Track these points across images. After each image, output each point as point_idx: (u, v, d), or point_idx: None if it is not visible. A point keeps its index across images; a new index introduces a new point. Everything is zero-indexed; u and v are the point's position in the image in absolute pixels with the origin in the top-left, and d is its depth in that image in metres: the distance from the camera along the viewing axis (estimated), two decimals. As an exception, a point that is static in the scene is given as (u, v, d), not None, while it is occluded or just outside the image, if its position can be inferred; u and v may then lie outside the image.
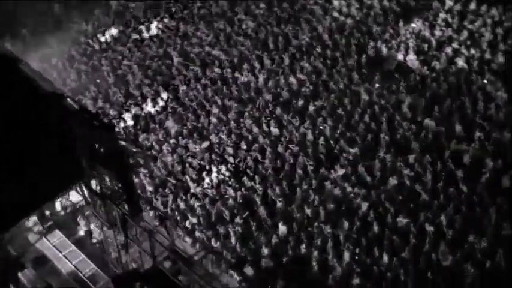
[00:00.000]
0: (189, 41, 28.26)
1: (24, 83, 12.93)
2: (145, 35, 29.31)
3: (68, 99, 13.05)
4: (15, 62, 13.63)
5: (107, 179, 12.91)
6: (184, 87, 25.58)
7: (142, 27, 29.64)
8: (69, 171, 12.84)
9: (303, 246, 18.66)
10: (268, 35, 27.54)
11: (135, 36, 29.12)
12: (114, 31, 29.38)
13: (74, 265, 19.68)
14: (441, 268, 17.52)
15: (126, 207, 13.41)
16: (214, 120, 23.70)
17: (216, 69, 26.13)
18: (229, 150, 22.28)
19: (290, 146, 21.98)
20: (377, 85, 24.07)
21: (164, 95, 25.46)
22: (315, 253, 18.43)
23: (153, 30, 29.42)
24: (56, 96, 12.75)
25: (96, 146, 12.21)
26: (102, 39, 29.36)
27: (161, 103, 25.03)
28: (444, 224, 18.51)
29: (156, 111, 24.85)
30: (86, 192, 14.78)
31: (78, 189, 15.11)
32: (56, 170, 12.27)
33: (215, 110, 24.16)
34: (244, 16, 29.10)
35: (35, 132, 12.12)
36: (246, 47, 27.07)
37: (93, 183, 13.49)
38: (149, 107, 25.10)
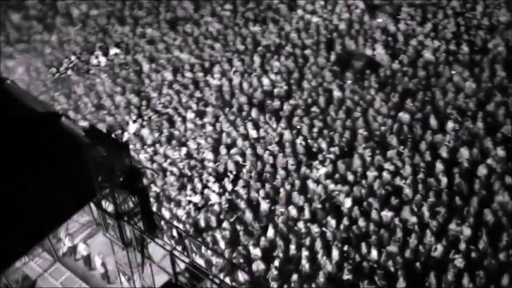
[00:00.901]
0: (156, 46, 27.90)
1: (14, 103, 12.40)
2: (111, 42, 28.75)
3: (64, 118, 12.69)
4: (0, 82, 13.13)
5: (122, 198, 12.64)
6: (157, 94, 25.28)
7: (107, 35, 29.07)
8: (77, 194, 12.39)
9: (293, 246, 18.76)
10: (236, 36, 27.47)
11: (99, 44, 28.52)
12: (79, 39, 28.73)
13: (60, 283, 19.27)
14: (429, 259, 17.89)
15: (143, 226, 13.19)
16: (190, 125, 23.53)
17: (188, 74, 25.92)
18: (209, 155, 22.19)
19: (269, 147, 22.02)
20: (349, 81, 24.34)
21: (136, 102, 25.10)
22: (305, 253, 18.56)
23: (118, 37, 28.89)
24: (51, 117, 12.30)
25: (111, 166, 11.88)
26: (67, 48, 28.67)
27: (134, 111, 24.65)
28: (427, 215, 18.90)
29: (131, 119, 24.46)
30: (95, 213, 14.44)
31: (87, 210, 14.76)
32: (63, 195, 11.79)
33: (190, 116, 23.98)
34: (211, 18, 28.91)
35: (35, 158, 11.63)
36: (216, 50, 26.92)
37: (104, 204, 13.19)
38: (122, 116, 24.70)
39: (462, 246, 18.08)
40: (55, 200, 11.55)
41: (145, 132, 23.61)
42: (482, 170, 20.17)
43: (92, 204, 14.15)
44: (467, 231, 18.29)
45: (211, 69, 26.04)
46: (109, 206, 13.03)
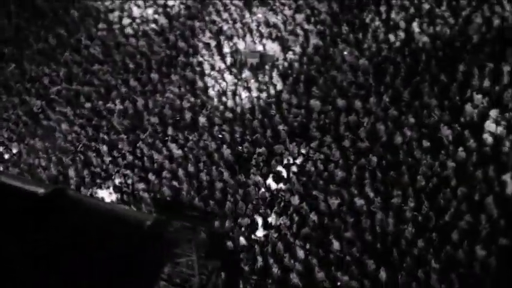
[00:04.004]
0: (41, 81, 25.15)
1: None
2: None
3: (70, 191, 10.55)
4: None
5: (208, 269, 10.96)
6: (60, 133, 22.86)
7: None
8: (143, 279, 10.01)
9: (259, 258, 18.13)
10: (124, 56, 25.64)
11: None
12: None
13: None
14: (386, 236, 18.25)
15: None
16: (109, 159, 21.64)
17: (87, 105, 23.73)
18: (141, 185, 20.60)
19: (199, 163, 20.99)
20: (252, 81, 23.83)
21: (40, 146, 22.53)
22: (271, 260, 18.05)
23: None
24: (55, 193, 9.94)
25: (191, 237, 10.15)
26: None
27: (42, 155, 22.11)
28: (371, 195, 19.19)
29: (40, 165, 21.90)
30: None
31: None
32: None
33: (105, 148, 22.05)
34: (89, 41, 26.64)
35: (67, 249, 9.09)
36: (108, 73, 24.91)
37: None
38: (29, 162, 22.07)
39: (408, 215, 18.61)
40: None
41: (64, 175, 21.30)
42: (399, 139, 20.82)
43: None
44: (410, 201, 18.82)
45: (109, 94, 24.12)
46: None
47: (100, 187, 20.67)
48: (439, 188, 19.04)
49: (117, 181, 20.83)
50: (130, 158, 21.47)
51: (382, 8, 25.64)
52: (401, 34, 24.46)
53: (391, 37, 24.37)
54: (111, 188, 20.55)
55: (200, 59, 25.06)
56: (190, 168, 20.79)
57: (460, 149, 19.73)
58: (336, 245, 18.15)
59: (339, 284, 17.27)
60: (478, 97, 21.46)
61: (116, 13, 27.96)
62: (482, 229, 17.78)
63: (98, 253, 9.18)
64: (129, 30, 26.81)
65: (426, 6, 25.41)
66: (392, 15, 25.35)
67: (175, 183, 20.44)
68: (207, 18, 26.77)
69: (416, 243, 17.79)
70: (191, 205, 10.35)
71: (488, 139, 20.13)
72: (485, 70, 22.13)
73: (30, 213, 9.32)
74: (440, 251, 17.51)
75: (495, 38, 23.43)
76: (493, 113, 20.82)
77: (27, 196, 9.49)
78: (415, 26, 24.60)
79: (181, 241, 10.53)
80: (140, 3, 28.08)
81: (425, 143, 20.39)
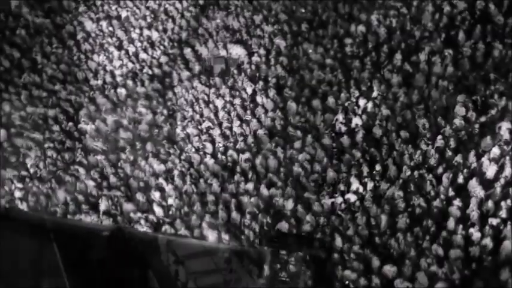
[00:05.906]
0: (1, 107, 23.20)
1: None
2: None
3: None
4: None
5: None
6: (32, 160, 21.17)
7: None
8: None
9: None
10: (85, 73, 24.08)
11: None
12: None
13: None
14: (382, 229, 18.09)
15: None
16: (91, 183, 20.25)
17: (55, 127, 22.11)
18: (128, 206, 19.42)
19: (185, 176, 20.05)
20: (223, 86, 23.02)
21: (13, 176, 20.78)
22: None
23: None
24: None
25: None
26: None
27: (18, 185, 20.45)
28: (361, 190, 18.98)
29: (15, 197, 20.24)
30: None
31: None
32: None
33: (83, 171, 20.64)
34: (46, 60, 24.82)
35: None
36: (73, 93, 23.30)
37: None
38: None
39: (400, 206, 18.52)
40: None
41: (45, 205, 19.75)
42: (378, 131, 20.69)
43: None
44: (399, 192, 18.73)
45: (78, 114, 22.61)
46: None
47: (88, 213, 19.29)
48: (425, 177, 19.02)
49: (103, 205, 19.49)
50: (113, 179, 20.14)
51: (340, 4, 25.35)
52: (362, 28, 24.26)
53: (352, 31, 24.16)
54: (101, 214, 19.23)
55: (166, 69, 23.92)
56: (178, 183, 19.81)
57: (439, 137, 19.82)
58: (338, 241, 17.79)
59: (347, 282, 16.93)
60: (443, 84, 21.64)
61: (68, 28, 26.27)
62: (471, 212, 17.94)
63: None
64: (85, 46, 25.19)
65: (379, -1, 25.34)
66: (347, 9, 25.12)
67: (164, 200, 19.42)
68: (160, 27, 25.55)
69: (413, 232, 17.70)
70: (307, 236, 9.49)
71: (461, 123, 20.32)
72: (445, 57, 22.35)
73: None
74: (437, 238, 17.51)
75: (448, 25, 23.73)
76: (461, 97, 21.03)
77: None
78: (373, 18, 24.46)
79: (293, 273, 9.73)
80: (92, 16, 26.53)
81: (404, 134, 20.35)
